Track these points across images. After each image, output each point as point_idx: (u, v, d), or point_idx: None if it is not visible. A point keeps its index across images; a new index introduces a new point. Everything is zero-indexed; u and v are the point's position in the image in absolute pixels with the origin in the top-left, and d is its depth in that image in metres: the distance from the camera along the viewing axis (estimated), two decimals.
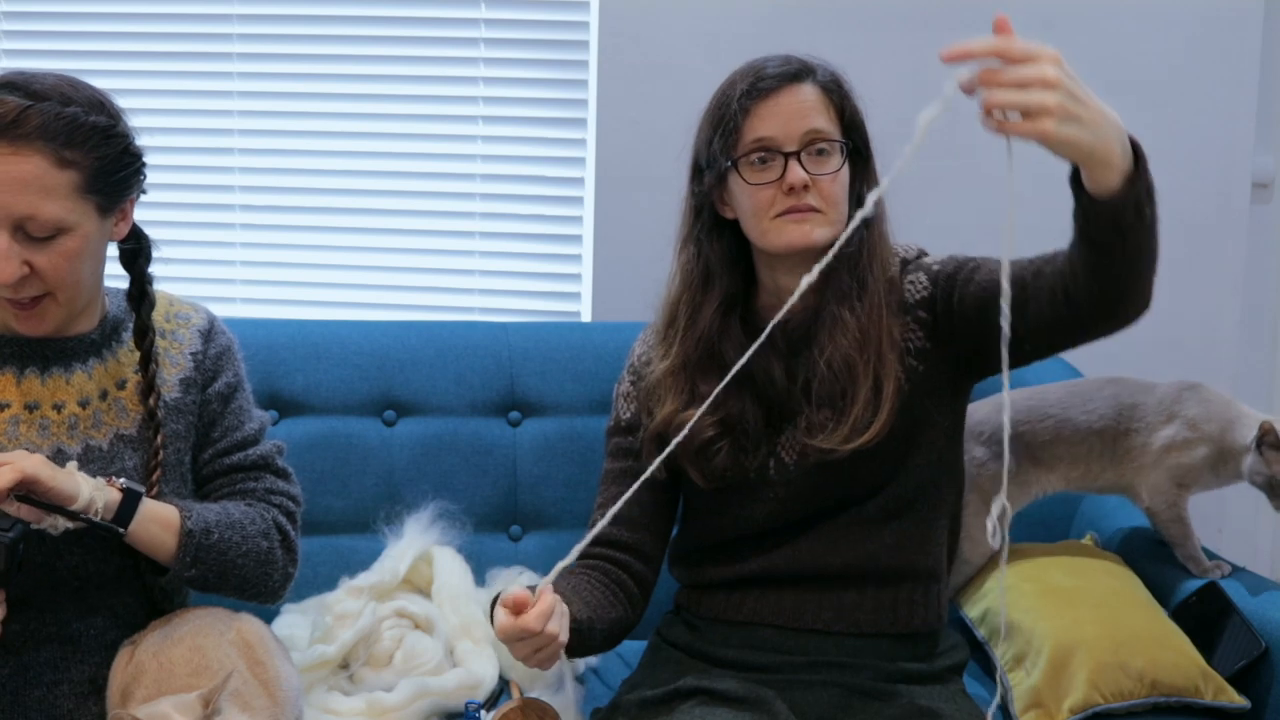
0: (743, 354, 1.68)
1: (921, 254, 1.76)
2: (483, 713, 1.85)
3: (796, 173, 1.62)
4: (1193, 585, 2.01)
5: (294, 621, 2.05)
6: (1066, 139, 1.31)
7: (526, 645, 1.44)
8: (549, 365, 2.34)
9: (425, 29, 2.62)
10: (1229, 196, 2.53)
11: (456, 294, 2.68)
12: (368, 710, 1.86)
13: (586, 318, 2.62)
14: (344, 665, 1.97)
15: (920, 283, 1.71)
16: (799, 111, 1.63)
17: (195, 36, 2.62)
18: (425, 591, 2.10)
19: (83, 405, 1.57)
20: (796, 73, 1.65)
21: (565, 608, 1.50)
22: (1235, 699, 1.86)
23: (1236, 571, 2.06)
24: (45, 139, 1.43)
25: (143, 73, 2.61)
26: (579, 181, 2.63)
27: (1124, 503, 2.19)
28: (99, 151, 1.47)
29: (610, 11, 2.51)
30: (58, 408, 1.55)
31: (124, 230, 1.58)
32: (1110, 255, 1.44)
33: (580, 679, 2.02)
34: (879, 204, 1.70)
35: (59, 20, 2.64)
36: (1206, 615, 1.95)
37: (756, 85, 1.64)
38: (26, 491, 1.41)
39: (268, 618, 1.85)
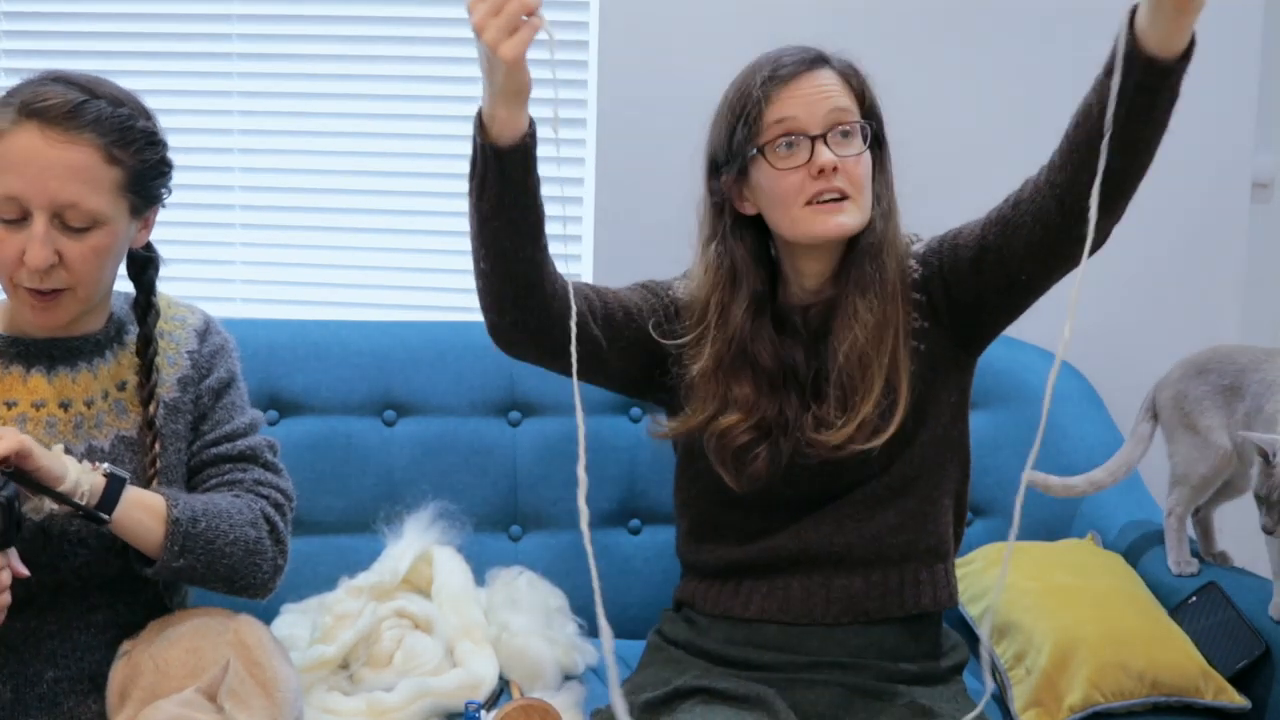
0: (775, 353, 1.70)
1: (913, 240, 1.78)
2: (483, 713, 1.85)
3: (824, 155, 1.62)
4: (1193, 585, 2.01)
5: (294, 621, 2.05)
6: None
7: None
8: None
9: (425, 29, 2.61)
10: (1229, 196, 2.53)
11: (456, 294, 2.67)
12: (368, 710, 1.86)
13: None
14: (344, 665, 1.97)
15: (910, 267, 1.73)
16: (821, 94, 1.64)
17: (195, 36, 2.62)
18: (425, 591, 2.10)
19: (88, 405, 1.58)
20: (814, 59, 1.66)
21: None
22: (1235, 699, 1.86)
23: (1236, 571, 2.06)
24: (99, 133, 1.48)
25: (143, 73, 2.61)
26: (579, 181, 2.63)
27: (1125, 501, 2.19)
28: (143, 155, 1.53)
29: (610, 11, 2.51)
30: (64, 405, 1.56)
31: (145, 238, 1.63)
32: (1141, 117, 1.50)
33: (580, 679, 2.02)
34: (891, 194, 1.71)
35: (59, 20, 2.64)
36: (1206, 615, 1.95)
37: (777, 72, 1.65)
38: (16, 466, 1.41)
39: (267, 617, 1.85)
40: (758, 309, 1.70)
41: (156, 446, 1.61)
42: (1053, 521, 2.27)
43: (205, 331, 1.72)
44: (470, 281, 2.65)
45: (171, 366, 1.66)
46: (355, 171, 2.65)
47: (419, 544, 2.12)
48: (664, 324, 1.75)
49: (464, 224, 2.64)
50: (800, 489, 1.71)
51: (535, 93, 1.51)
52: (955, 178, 2.53)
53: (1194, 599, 1.98)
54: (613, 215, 2.55)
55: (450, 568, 2.10)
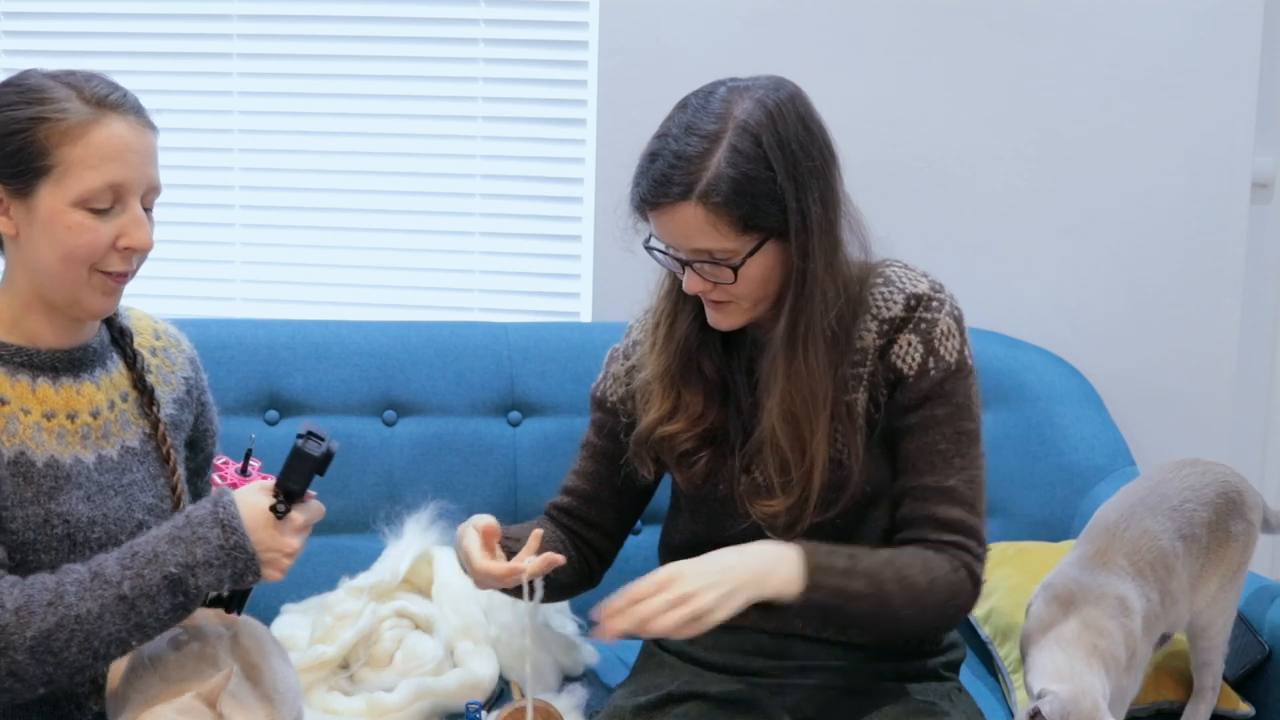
0: (719, 367, 1.67)
1: (932, 296, 1.64)
2: (483, 713, 1.84)
3: (691, 283, 1.58)
4: None
5: (294, 622, 2.05)
6: (734, 611, 1.48)
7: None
8: (549, 365, 2.34)
9: (425, 29, 2.61)
10: (1229, 196, 2.53)
11: (456, 294, 2.67)
12: (368, 711, 1.86)
13: (586, 318, 2.62)
14: (344, 665, 1.97)
15: (912, 347, 1.63)
16: (684, 232, 1.54)
17: (195, 36, 2.62)
18: (425, 592, 2.10)
19: (94, 415, 1.57)
20: (680, 193, 1.52)
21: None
22: (1239, 705, 1.85)
23: None
24: (153, 124, 1.56)
25: (143, 72, 2.61)
26: (579, 181, 2.62)
27: None
28: None
29: (610, 11, 2.51)
30: (71, 417, 1.55)
31: None
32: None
33: (580, 679, 2.02)
34: (824, 278, 1.57)
35: (59, 20, 2.63)
36: None
37: (642, 194, 1.56)
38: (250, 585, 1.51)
39: (267, 618, 1.85)
40: (705, 322, 1.66)
41: (172, 460, 1.63)
42: (1054, 522, 2.27)
43: (196, 363, 1.75)
44: (470, 281, 2.68)
45: (166, 385, 1.67)
46: (355, 171, 2.65)
47: (419, 544, 2.12)
48: (625, 419, 1.75)
49: (463, 224, 2.66)
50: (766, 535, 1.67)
51: None
52: (940, 178, 2.53)
53: None
54: (613, 216, 2.54)
55: (451, 568, 2.10)
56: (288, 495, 1.47)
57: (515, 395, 2.33)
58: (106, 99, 1.50)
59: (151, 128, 1.54)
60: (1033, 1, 2.50)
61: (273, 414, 2.27)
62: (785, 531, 1.61)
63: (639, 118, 2.48)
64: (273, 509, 1.46)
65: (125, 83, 1.57)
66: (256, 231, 2.68)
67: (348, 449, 2.26)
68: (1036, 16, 2.50)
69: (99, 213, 1.48)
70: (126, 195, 1.50)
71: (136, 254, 1.53)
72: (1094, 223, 2.55)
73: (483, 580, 1.58)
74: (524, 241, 2.67)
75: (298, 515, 1.48)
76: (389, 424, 2.30)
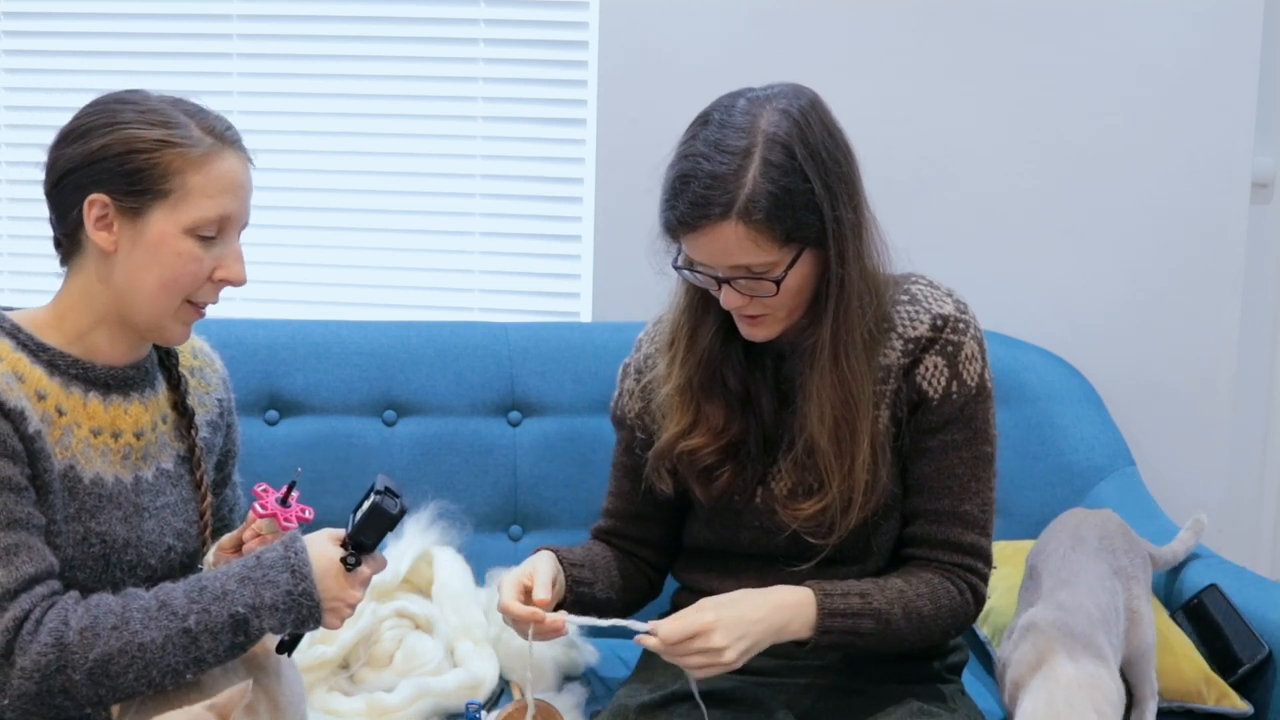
0: (743, 378, 1.67)
1: (958, 318, 1.66)
2: (483, 713, 1.85)
3: (729, 299, 1.57)
4: (1194, 587, 2.01)
5: None
6: (752, 654, 1.53)
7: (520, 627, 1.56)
8: (549, 365, 2.34)
9: (425, 29, 2.61)
10: (1229, 196, 2.53)
11: (456, 294, 2.68)
12: (368, 711, 1.86)
13: (586, 318, 2.62)
14: (344, 666, 1.97)
15: (938, 370, 1.64)
16: (723, 250, 1.52)
17: (195, 36, 2.62)
18: (425, 592, 2.10)
19: (137, 436, 1.56)
20: (720, 214, 1.50)
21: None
22: (1238, 704, 1.85)
23: (1238, 571, 2.05)
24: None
25: (143, 73, 2.61)
26: (579, 181, 2.62)
27: (1125, 502, 2.19)
28: None
29: (610, 11, 2.51)
30: (116, 435, 1.54)
31: None
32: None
33: (580, 679, 2.02)
34: (859, 285, 1.58)
35: (59, 20, 2.64)
36: (1208, 618, 1.95)
37: (679, 217, 1.53)
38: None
39: None
40: (728, 333, 1.66)
41: (205, 481, 1.63)
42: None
43: (228, 383, 1.75)
44: (470, 281, 2.68)
45: (201, 407, 1.67)
46: (355, 171, 2.65)
47: (419, 544, 2.12)
48: (643, 434, 1.76)
49: (463, 224, 2.66)
50: (777, 545, 1.68)
51: None
52: (940, 178, 2.53)
53: (1195, 601, 1.98)
54: (613, 216, 2.55)
55: (450, 568, 2.10)
56: (358, 548, 1.48)
57: (515, 395, 2.33)
58: (225, 133, 1.51)
59: (252, 163, 1.55)
60: (1033, 3, 2.50)
61: (273, 414, 2.27)
62: (824, 535, 1.62)
63: (639, 118, 2.51)
64: (343, 560, 1.48)
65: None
66: (256, 231, 2.63)
67: (348, 449, 2.26)
68: (1037, 17, 2.50)
69: (205, 241, 1.50)
70: (229, 228, 1.52)
71: (227, 286, 1.55)
72: (1094, 223, 2.55)
73: (504, 614, 1.59)
74: (524, 241, 2.67)
75: (366, 568, 1.50)
76: (389, 424, 2.30)
